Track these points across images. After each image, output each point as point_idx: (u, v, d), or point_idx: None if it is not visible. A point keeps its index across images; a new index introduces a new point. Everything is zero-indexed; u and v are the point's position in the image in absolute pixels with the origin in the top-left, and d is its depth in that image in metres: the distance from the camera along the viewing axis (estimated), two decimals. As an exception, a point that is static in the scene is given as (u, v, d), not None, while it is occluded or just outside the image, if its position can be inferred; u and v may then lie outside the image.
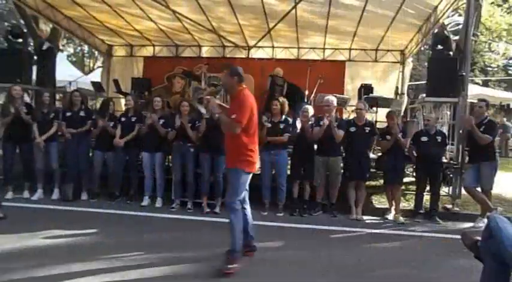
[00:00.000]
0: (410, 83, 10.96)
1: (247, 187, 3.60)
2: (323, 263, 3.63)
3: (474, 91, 10.58)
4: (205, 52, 9.73)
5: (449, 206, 5.77)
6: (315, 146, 5.59)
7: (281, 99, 5.64)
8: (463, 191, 5.54)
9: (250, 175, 3.54)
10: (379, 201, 6.14)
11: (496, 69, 19.94)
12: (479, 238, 2.55)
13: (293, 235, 4.64)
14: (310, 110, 5.69)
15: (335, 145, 5.45)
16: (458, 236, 2.76)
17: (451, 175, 6.07)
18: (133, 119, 5.78)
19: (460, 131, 5.63)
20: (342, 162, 5.63)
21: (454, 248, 3.88)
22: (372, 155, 6.06)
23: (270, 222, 5.04)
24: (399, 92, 8.89)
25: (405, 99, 9.13)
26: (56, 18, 7.92)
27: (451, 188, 5.99)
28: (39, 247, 3.76)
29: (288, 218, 5.27)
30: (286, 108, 5.62)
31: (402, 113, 8.59)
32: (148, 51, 9.89)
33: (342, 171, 5.64)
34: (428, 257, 3.95)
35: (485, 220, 4.14)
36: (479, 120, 5.13)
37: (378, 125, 6.56)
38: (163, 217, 5.12)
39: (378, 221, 5.36)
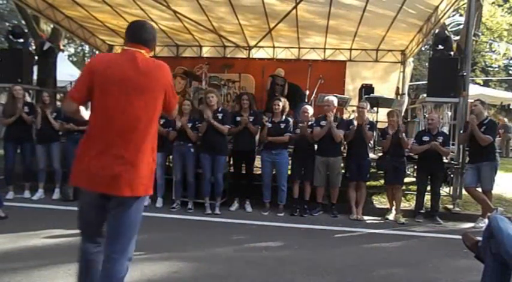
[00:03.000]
0: (411, 83, 10.97)
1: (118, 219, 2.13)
2: (323, 263, 3.63)
3: (475, 91, 10.57)
4: (206, 52, 9.74)
5: (450, 206, 5.77)
6: (315, 146, 5.59)
7: (282, 99, 5.64)
8: (464, 191, 5.54)
9: (98, 196, 2.06)
10: (380, 202, 6.14)
11: (496, 69, 19.93)
12: (480, 238, 2.55)
13: (293, 235, 4.63)
14: (310, 110, 5.69)
15: (335, 145, 5.45)
16: (459, 236, 2.76)
17: (451, 175, 6.06)
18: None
19: (461, 131, 5.62)
20: (342, 162, 5.64)
21: (455, 248, 3.88)
22: (372, 155, 6.06)
23: (271, 222, 5.04)
24: (400, 92, 8.89)
25: (406, 99, 9.13)
26: (56, 18, 7.93)
27: (451, 188, 5.98)
28: (40, 247, 3.76)
29: (288, 218, 5.27)
30: (287, 108, 5.63)
31: (403, 113, 8.60)
32: None
33: (343, 171, 5.65)
34: (429, 257, 3.94)
35: (486, 220, 4.14)
36: (479, 120, 5.13)
37: (379, 125, 6.57)
38: (163, 217, 5.12)
39: (378, 221, 5.36)
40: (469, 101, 5.96)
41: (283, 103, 5.52)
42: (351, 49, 9.23)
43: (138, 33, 2.13)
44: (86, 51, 22.40)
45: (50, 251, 3.69)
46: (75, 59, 22.22)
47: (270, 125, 5.44)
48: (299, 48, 9.35)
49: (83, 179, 2.03)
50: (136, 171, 2.03)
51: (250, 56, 9.45)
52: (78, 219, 2.15)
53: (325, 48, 9.28)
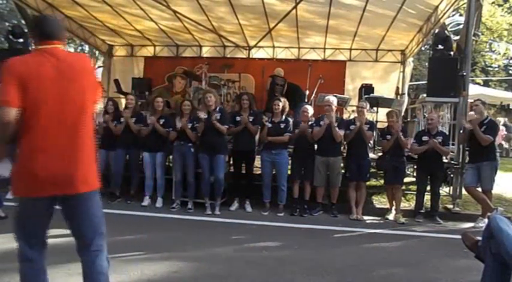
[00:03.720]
0: (411, 83, 10.97)
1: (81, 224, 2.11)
2: (324, 263, 3.63)
3: (475, 91, 10.57)
4: (206, 52, 9.73)
5: (450, 206, 5.77)
6: (315, 146, 5.59)
7: (282, 99, 5.64)
8: (464, 191, 5.54)
9: (42, 203, 2.00)
10: (380, 201, 6.14)
11: (496, 69, 19.92)
12: (480, 238, 2.55)
13: (293, 235, 4.63)
14: (310, 110, 5.69)
15: (335, 145, 5.45)
16: (459, 236, 2.76)
17: (451, 175, 6.06)
18: (133, 120, 5.76)
19: (461, 131, 5.62)
20: (342, 162, 5.64)
21: (455, 248, 3.88)
22: (372, 155, 6.06)
23: (271, 222, 5.04)
24: (400, 92, 8.89)
25: (406, 99, 9.13)
26: (56, 18, 7.91)
27: (451, 188, 5.98)
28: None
29: (288, 218, 5.27)
30: (287, 108, 5.63)
31: (403, 113, 8.60)
32: (148, 51, 9.90)
33: (343, 171, 5.65)
34: (428, 257, 3.94)
35: (486, 220, 4.14)
36: (479, 120, 5.13)
37: (379, 125, 6.57)
38: (163, 217, 5.13)
39: (378, 221, 5.36)
40: (469, 100, 5.97)
41: (283, 103, 5.52)
42: (350, 49, 9.23)
43: (48, 29, 2.03)
44: (86, 51, 22.35)
45: (50, 250, 3.69)
46: None
47: (270, 125, 5.44)
48: (299, 48, 9.35)
49: (30, 187, 1.94)
50: (83, 165, 2.00)
51: (250, 56, 9.45)
52: (19, 229, 2.08)
53: (325, 48, 9.27)
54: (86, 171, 2.01)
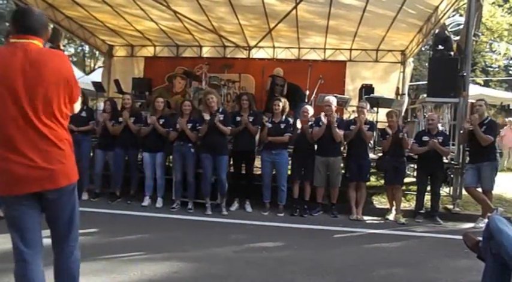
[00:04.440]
0: (411, 83, 10.96)
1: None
2: (324, 263, 3.63)
3: (475, 91, 10.57)
4: (206, 52, 9.73)
5: (450, 207, 5.76)
6: (315, 146, 5.59)
7: (282, 99, 5.64)
8: (464, 191, 5.54)
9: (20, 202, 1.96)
10: (380, 202, 6.14)
11: (497, 69, 19.92)
12: (481, 238, 2.55)
13: (293, 235, 4.63)
14: (310, 110, 5.69)
15: (335, 145, 5.45)
16: (459, 237, 2.76)
17: (451, 175, 6.06)
18: (132, 120, 5.75)
19: (461, 131, 5.62)
20: (342, 162, 5.63)
21: (455, 249, 3.88)
22: (372, 155, 6.06)
23: (271, 222, 5.04)
24: (400, 92, 8.89)
25: (406, 99, 9.12)
26: (56, 18, 7.93)
27: (451, 188, 5.98)
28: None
29: (288, 218, 5.27)
30: (287, 108, 5.63)
31: (403, 113, 8.59)
32: (149, 51, 9.90)
33: (343, 171, 5.65)
34: (428, 257, 3.94)
35: (486, 220, 4.13)
36: (480, 120, 5.12)
37: (379, 126, 6.57)
38: (163, 217, 5.13)
39: (378, 222, 5.36)
40: (469, 101, 5.97)
41: (283, 103, 5.52)
42: (351, 49, 9.22)
43: (26, 22, 1.93)
44: (86, 52, 22.36)
45: (49, 251, 3.69)
46: (75, 59, 22.19)
47: (270, 125, 5.44)
48: (299, 48, 9.35)
49: (10, 186, 1.90)
50: (56, 160, 1.96)
51: (250, 56, 9.44)
52: (11, 229, 2.00)
53: (325, 49, 9.27)
54: (61, 165, 1.98)
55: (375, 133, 6.03)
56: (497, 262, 2.32)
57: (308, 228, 4.88)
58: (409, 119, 8.98)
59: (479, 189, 5.15)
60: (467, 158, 5.57)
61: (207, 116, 5.21)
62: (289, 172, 5.75)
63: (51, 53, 2.01)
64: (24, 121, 1.89)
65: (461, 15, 11.57)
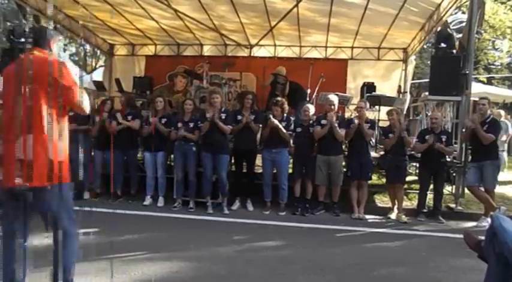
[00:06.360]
0: (413, 81, 10.93)
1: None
2: (325, 262, 3.61)
3: (477, 89, 10.52)
4: (207, 51, 9.69)
5: (453, 205, 5.74)
6: (316, 145, 5.57)
7: (280, 101, 5.61)
8: (466, 190, 5.52)
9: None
10: (382, 200, 6.12)
11: (499, 67, 19.82)
12: (482, 238, 2.53)
13: (295, 234, 4.62)
14: (311, 109, 5.67)
15: (336, 144, 5.43)
16: (462, 236, 2.74)
17: (454, 174, 6.03)
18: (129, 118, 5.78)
19: (463, 130, 5.59)
20: (343, 161, 5.61)
21: (457, 248, 3.85)
22: (374, 154, 6.04)
23: (272, 221, 5.03)
24: (402, 90, 8.85)
25: (408, 97, 9.09)
26: (57, 17, 7.91)
27: (454, 187, 5.95)
28: (40, 246, 3.76)
29: (289, 217, 5.26)
30: (286, 107, 5.63)
31: (405, 112, 8.56)
32: (149, 50, 9.88)
33: (344, 170, 5.62)
34: (431, 256, 3.92)
35: (489, 219, 4.11)
36: (482, 118, 5.10)
37: (380, 124, 6.54)
38: (165, 216, 5.12)
39: (380, 220, 5.34)
40: (472, 99, 5.93)
41: (281, 105, 5.50)
42: (352, 47, 9.19)
43: (34, 38, 2.36)
44: (87, 51, 22.29)
45: (50, 250, 3.68)
46: (76, 59, 22.20)
47: (275, 121, 5.34)
48: (300, 46, 9.32)
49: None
50: (42, 160, 2.18)
51: (252, 55, 9.41)
52: None
53: (326, 47, 9.24)
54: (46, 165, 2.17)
55: (376, 131, 6.00)
56: (501, 262, 2.30)
57: (309, 227, 4.85)
58: (411, 118, 8.95)
59: (482, 188, 5.12)
60: (470, 157, 5.54)
61: (211, 112, 5.19)
62: (290, 170, 5.73)
63: (40, 59, 2.29)
64: (11, 119, 2.28)
65: (463, 13, 11.52)
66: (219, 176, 5.36)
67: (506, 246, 2.23)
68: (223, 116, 5.27)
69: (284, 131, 5.38)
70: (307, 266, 3.48)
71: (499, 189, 5.47)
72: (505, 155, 8.40)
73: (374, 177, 6.41)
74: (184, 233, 4.49)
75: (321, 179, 5.47)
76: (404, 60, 9.19)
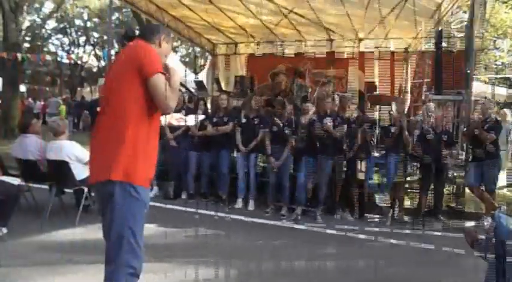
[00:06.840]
0: (414, 81, 10.90)
1: None
2: (325, 262, 3.62)
3: (478, 89, 10.50)
4: (310, 47, 9.20)
5: (453, 205, 5.74)
6: (318, 145, 5.56)
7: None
8: (467, 190, 5.51)
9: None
10: (383, 200, 6.11)
11: (500, 66, 19.78)
12: (481, 236, 2.54)
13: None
14: (311, 108, 5.68)
15: (337, 144, 5.42)
16: (462, 235, 2.74)
17: (454, 173, 6.03)
18: (225, 119, 5.80)
19: (464, 129, 5.59)
20: (344, 161, 5.61)
21: (458, 247, 3.85)
22: (375, 154, 6.03)
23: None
24: (403, 90, 8.83)
25: (409, 97, 9.07)
26: (164, 19, 7.92)
27: (454, 186, 5.95)
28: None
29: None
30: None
31: (406, 111, 8.53)
32: (251, 48, 9.55)
33: (345, 169, 5.62)
34: (432, 255, 3.91)
35: (490, 219, 4.11)
36: (483, 118, 5.09)
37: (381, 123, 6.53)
38: (257, 222, 4.74)
39: (380, 220, 5.34)
40: (473, 98, 5.92)
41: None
42: (353, 46, 9.14)
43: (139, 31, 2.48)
44: (197, 52, 21.75)
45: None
46: (187, 60, 22.02)
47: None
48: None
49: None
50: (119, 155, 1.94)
51: (359, 49, 8.74)
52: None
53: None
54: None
55: (377, 131, 5.99)
56: (501, 261, 2.30)
57: (310, 227, 4.83)
58: (412, 117, 8.93)
59: (483, 188, 5.12)
60: (470, 156, 5.54)
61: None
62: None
63: (129, 46, 2.34)
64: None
65: (464, 12, 11.51)
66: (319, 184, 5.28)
67: (506, 244, 2.24)
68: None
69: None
70: (307, 266, 3.47)
71: (499, 189, 5.46)
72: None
73: (374, 177, 6.40)
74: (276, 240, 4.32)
75: (321, 179, 5.41)
76: (406, 60, 9.15)
